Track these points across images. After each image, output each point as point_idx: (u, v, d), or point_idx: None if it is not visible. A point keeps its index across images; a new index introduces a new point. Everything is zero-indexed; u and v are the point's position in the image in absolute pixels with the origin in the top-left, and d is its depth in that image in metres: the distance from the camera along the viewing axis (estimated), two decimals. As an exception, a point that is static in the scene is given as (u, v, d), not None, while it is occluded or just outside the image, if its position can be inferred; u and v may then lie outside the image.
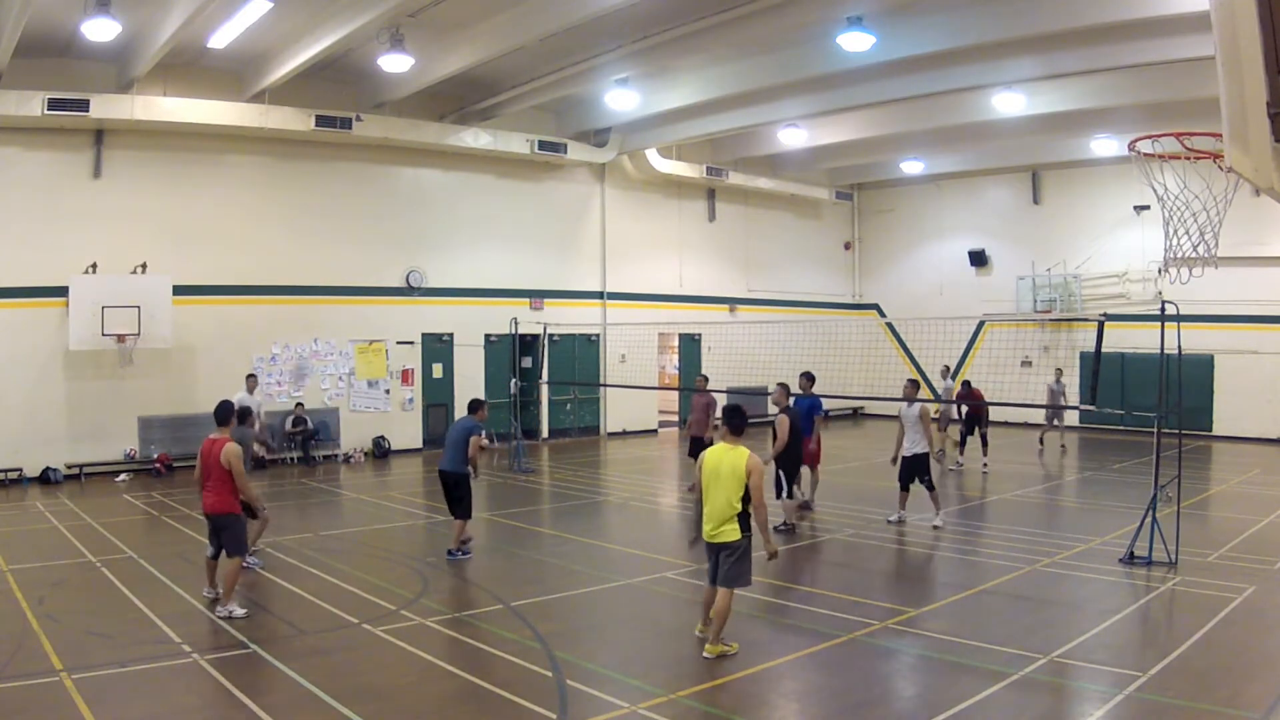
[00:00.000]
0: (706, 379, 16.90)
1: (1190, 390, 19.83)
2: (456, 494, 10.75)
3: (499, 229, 21.94)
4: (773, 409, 12.33)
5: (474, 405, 11.12)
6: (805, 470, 13.23)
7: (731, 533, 7.14)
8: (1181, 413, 14.25)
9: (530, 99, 19.16)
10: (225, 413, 8.88)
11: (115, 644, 7.59)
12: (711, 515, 7.20)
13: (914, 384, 13.14)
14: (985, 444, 17.49)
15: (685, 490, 11.70)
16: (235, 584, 8.51)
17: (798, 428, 12.10)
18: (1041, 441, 20.25)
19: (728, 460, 7.13)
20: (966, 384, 18.84)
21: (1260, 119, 3.77)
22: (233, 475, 8.46)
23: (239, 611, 8.32)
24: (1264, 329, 21.78)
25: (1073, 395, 21.84)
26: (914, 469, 12.25)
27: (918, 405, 12.35)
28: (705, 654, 7.27)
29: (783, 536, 11.42)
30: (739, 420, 7.32)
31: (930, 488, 12.32)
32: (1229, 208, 9.29)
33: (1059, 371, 20.30)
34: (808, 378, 13.74)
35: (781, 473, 11.94)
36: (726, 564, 7.19)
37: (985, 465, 17.14)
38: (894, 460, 12.44)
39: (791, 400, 12.45)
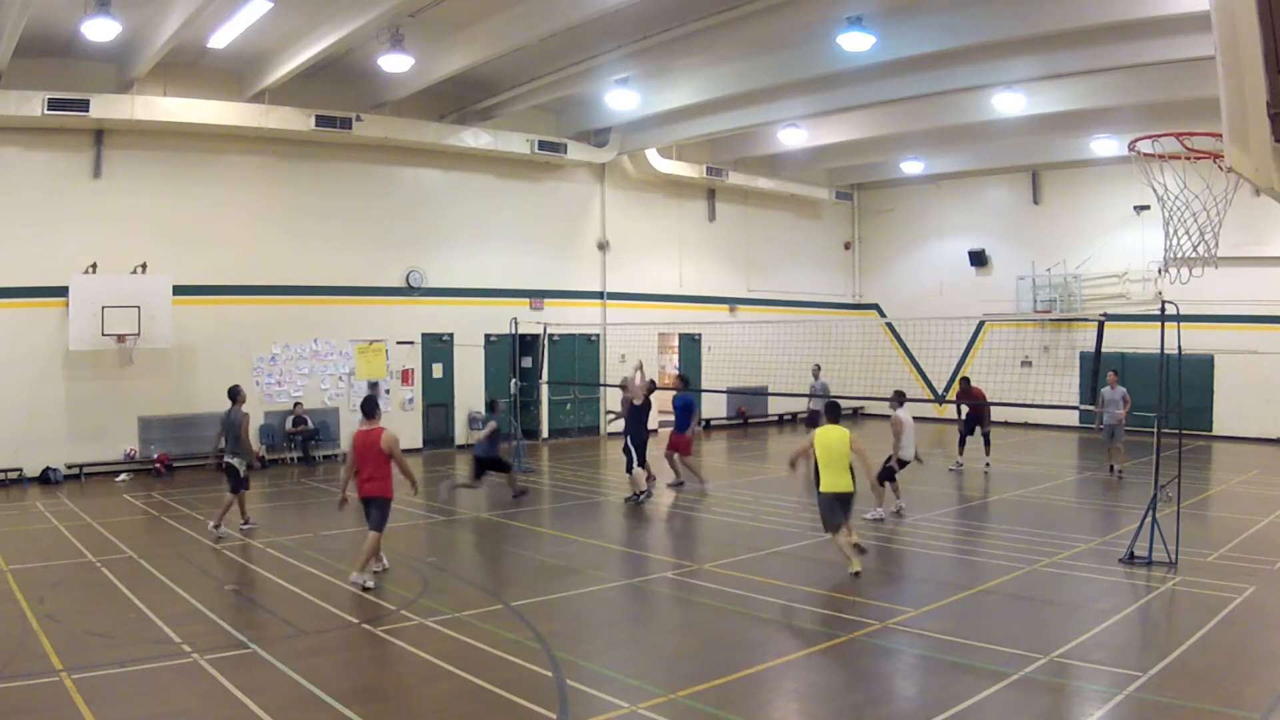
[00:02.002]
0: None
1: (1190, 390, 19.82)
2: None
3: (499, 229, 21.94)
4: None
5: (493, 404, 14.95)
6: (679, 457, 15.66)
7: (848, 484, 9.95)
8: (1181, 413, 14.23)
9: (530, 99, 19.15)
10: (372, 404, 9.79)
11: (115, 644, 7.59)
12: (834, 473, 9.92)
13: (898, 394, 13.91)
14: (988, 444, 17.44)
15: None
16: (372, 555, 9.50)
17: (640, 414, 14.57)
18: (1112, 470, 16.39)
19: (835, 436, 10.00)
20: (965, 381, 18.62)
21: (1260, 119, 3.77)
22: (393, 458, 9.31)
23: (370, 583, 9.33)
24: (1264, 329, 21.77)
25: (1072, 395, 21.91)
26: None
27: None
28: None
29: (632, 504, 13.98)
30: (837, 412, 10.45)
31: (883, 483, 13.10)
32: (1229, 208, 9.28)
33: (1113, 375, 16.58)
34: (682, 379, 16.90)
35: (632, 448, 14.26)
36: (849, 508, 10.10)
37: (987, 465, 17.13)
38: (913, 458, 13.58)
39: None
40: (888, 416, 13.77)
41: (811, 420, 20.04)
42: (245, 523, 12.29)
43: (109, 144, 17.14)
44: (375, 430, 9.37)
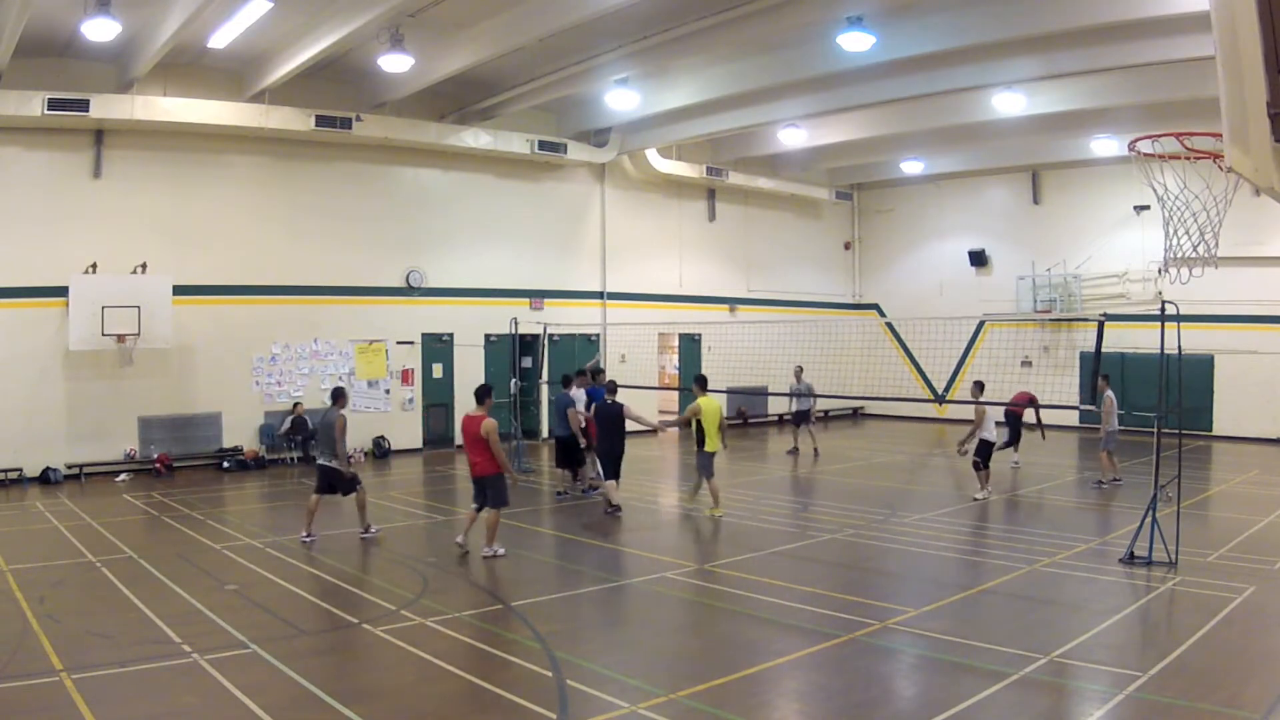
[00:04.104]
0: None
1: (1190, 390, 19.81)
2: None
3: (499, 229, 21.94)
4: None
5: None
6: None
7: (719, 445, 13.24)
8: (1181, 413, 14.20)
9: (530, 99, 19.15)
10: (484, 392, 10.91)
11: (115, 644, 7.59)
12: (714, 437, 13.11)
13: (979, 384, 15.48)
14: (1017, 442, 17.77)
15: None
16: (496, 529, 10.67)
17: (608, 422, 13.63)
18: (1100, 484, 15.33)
19: (715, 405, 13.30)
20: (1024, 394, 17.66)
21: (1260, 119, 3.76)
22: (488, 443, 10.37)
23: (500, 551, 10.59)
24: (1264, 329, 21.77)
25: (1072, 395, 21.90)
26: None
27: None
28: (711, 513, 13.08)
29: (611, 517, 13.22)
30: (704, 381, 13.76)
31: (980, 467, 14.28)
32: (1229, 208, 9.28)
33: (1105, 379, 14.90)
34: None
35: (600, 458, 13.75)
36: (713, 459, 13.25)
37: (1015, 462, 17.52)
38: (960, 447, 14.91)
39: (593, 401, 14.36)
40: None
41: (797, 420, 20.42)
42: (307, 535, 11.56)
43: (109, 144, 17.14)
44: (478, 417, 10.52)
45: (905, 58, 15.80)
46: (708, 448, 13.06)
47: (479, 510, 10.81)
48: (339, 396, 12.22)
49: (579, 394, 14.69)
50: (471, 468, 10.74)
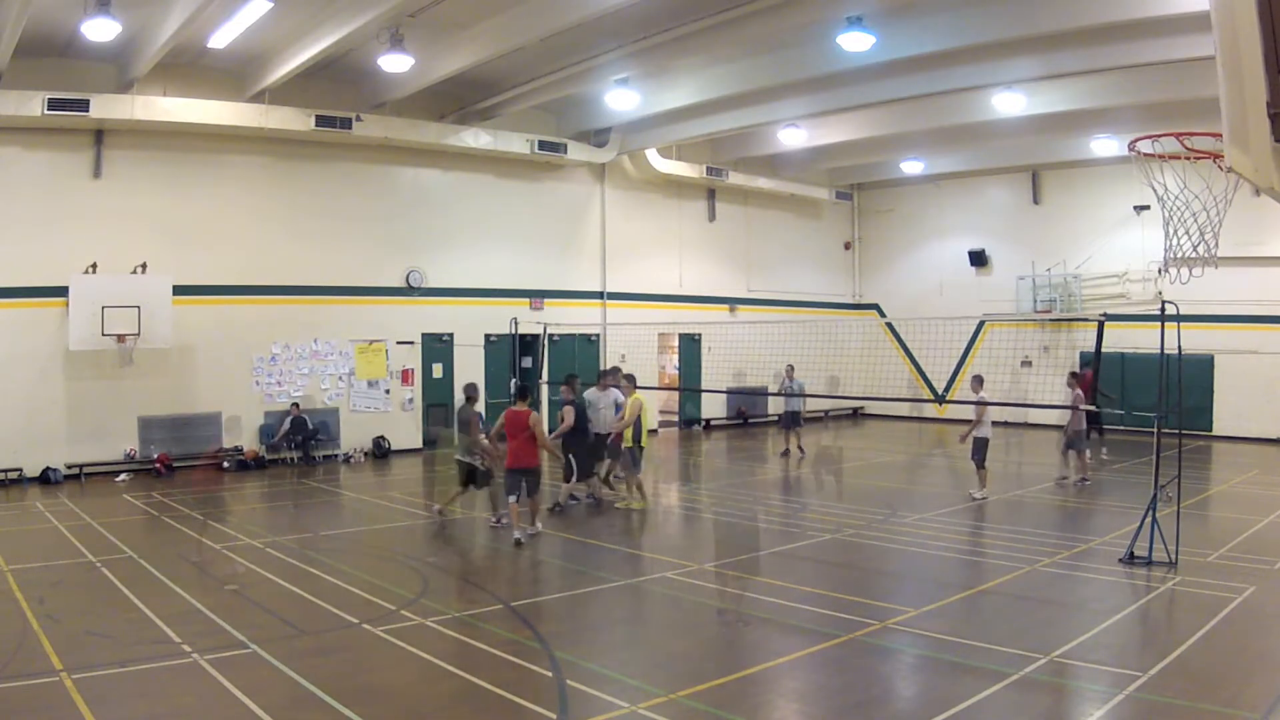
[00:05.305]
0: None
1: (1190, 390, 19.79)
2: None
3: (499, 229, 21.93)
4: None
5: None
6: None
7: (646, 438, 13.78)
8: (1181, 413, 14.19)
9: (530, 99, 19.14)
10: (525, 389, 12.01)
11: (115, 644, 7.59)
12: (645, 431, 13.52)
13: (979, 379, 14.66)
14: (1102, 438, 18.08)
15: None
16: (536, 513, 11.81)
17: (585, 417, 13.73)
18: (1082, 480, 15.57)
19: (645, 401, 13.59)
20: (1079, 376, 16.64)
21: (1260, 119, 3.76)
22: (535, 435, 11.29)
23: (524, 538, 11.23)
24: (1264, 329, 21.77)
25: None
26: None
27: None
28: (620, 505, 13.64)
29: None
30: (633, 380, 14.08)
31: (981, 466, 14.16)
32: (1229, 208, 9.28)
33: (1076, 378, 15.57)
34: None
35: (572, 456, 13.62)
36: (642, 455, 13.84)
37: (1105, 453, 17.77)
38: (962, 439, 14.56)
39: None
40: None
41: (788, 422, 20.37)
42: (496, 521, 12.55)
43: (109, 144, 17.12)
44: (524, 411, 11.37)
45: (905, 58, 15.79)
46: (642, 442, 13.67)
47: (518, 502, 11.41)
48: (469, 394, 12.87)
49: (591, 395, 14.31)
50: (511, 458, 11.39)
